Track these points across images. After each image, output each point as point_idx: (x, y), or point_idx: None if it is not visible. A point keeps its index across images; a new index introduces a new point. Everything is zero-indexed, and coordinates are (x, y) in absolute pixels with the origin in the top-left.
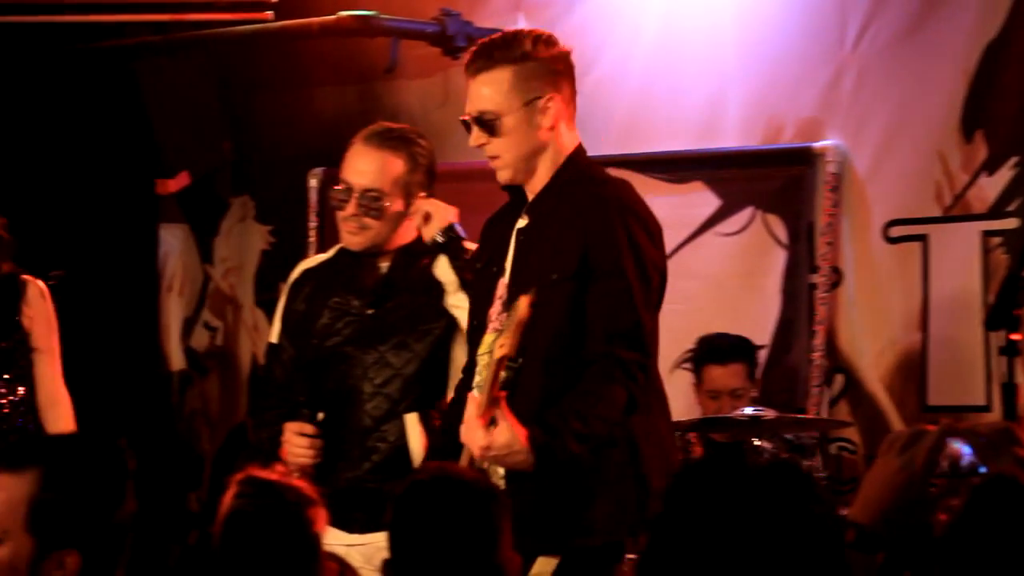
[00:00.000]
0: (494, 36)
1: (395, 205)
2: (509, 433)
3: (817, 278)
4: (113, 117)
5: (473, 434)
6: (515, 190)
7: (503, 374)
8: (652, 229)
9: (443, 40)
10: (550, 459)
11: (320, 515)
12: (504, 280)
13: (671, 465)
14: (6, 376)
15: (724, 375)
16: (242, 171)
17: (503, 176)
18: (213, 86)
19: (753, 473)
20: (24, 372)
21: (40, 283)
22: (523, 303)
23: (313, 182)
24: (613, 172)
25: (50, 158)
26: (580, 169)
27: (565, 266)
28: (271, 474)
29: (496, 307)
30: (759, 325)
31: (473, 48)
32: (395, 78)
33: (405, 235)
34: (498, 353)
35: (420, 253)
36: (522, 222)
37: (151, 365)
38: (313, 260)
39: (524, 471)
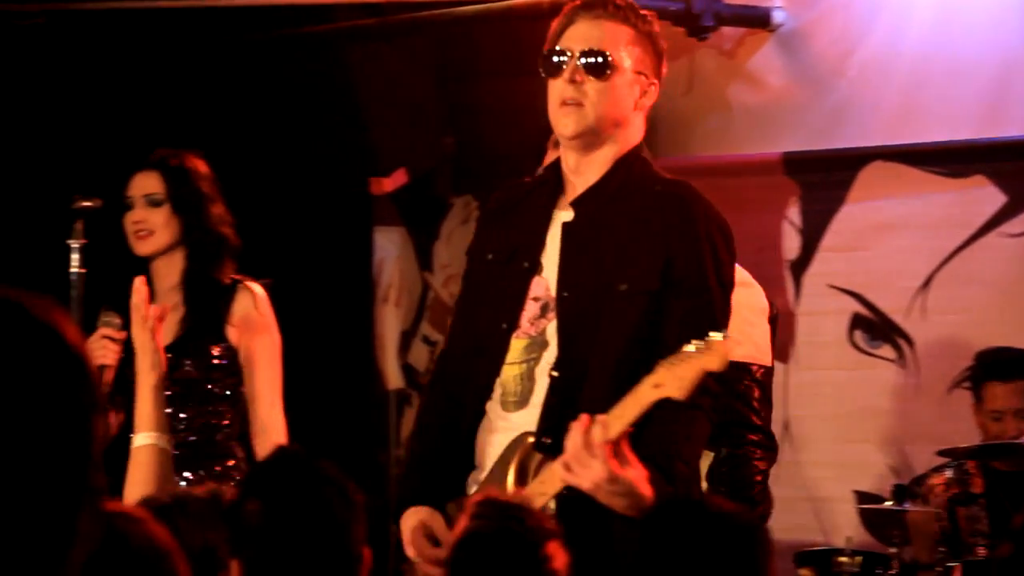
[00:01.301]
0: None
1: None
2: (635, 472)
3: None
4: (322, 109)
5: (590, 462)
6: (551, 172)
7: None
8: (732, 244)
9: (688, 19)
10: None
11: (559, 553)
12: (540, 279)
13: None
14: (219, 402)
15: (1008, 393)
16: (464, 168)
17: (575, 125)
18: (432, 74)
19: None
20: (232, 394)
21: (255, 288)
22: (719, 360)
23: None
24: (882, 165)
25: (253, 154)
26: (641, 168)
27: (644, 277)
28: (512, 498)
29: (532, 310)
30: None
31: None
32: None
33: None
34: (658, 395)
35: None
36: (566, 216)
37: (365, 384)
38: None
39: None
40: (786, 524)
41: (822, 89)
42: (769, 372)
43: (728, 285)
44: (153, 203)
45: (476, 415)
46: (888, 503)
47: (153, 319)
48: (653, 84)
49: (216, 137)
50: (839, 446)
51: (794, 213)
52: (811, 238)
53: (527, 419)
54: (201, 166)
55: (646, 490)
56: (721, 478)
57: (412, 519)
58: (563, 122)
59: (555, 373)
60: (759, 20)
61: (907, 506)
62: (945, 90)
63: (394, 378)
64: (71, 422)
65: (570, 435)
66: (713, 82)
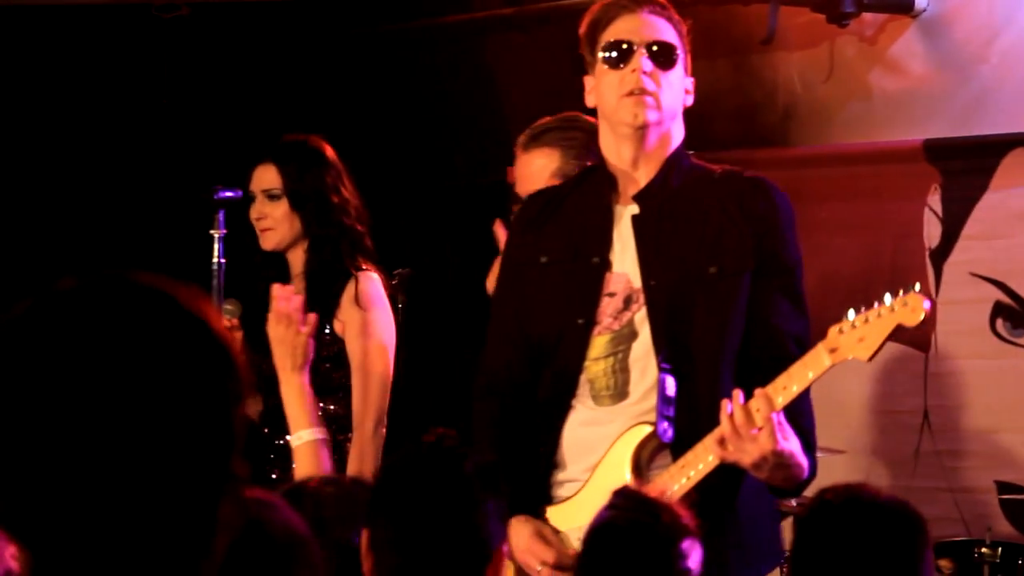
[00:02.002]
0: None
1: None
2: (794, 443)
3: None
4: (459, 98)
5: (755, 436)
6: (594, 172)
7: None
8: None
9: (829, 5)
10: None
11: (694, 550)
12: (614, 275)
13: None
14: (328, 395)
15: None
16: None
17: (644, 114)
18: (569, 63)
19: None
20: (341, 385)
21: (364, 279)
22: (917, 312)
23: None
24: None
25: (390, 144)
26: (690, 160)
27: (738, 258)
28: (651, 491)
29: (613, 305)
30: None
31: None
32: (773, 49)
33: None
34: (836, 359)
35: None
36: (631, 210)
37: None
38: None
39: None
40: (926, 515)
41: (965, 76)
42: None
43: (800, 259)
44: (271, 197)
45: (557, 414)
46: None
47: (310, 322)
48: (692, 80)
49: (354, 127)
50: (980, 436)
51: (935, 201)
52: (952, 226)
53: (629, 410)
54: (323, 152)
55: (802, 461)
56: None
57: (525, 528)
58: (632, 111)
59: (665, 364)
60: (901, 6)
61: None
62: None
63: None
64: (216, 410)
65: (726, 411)
66: (854, 69)
